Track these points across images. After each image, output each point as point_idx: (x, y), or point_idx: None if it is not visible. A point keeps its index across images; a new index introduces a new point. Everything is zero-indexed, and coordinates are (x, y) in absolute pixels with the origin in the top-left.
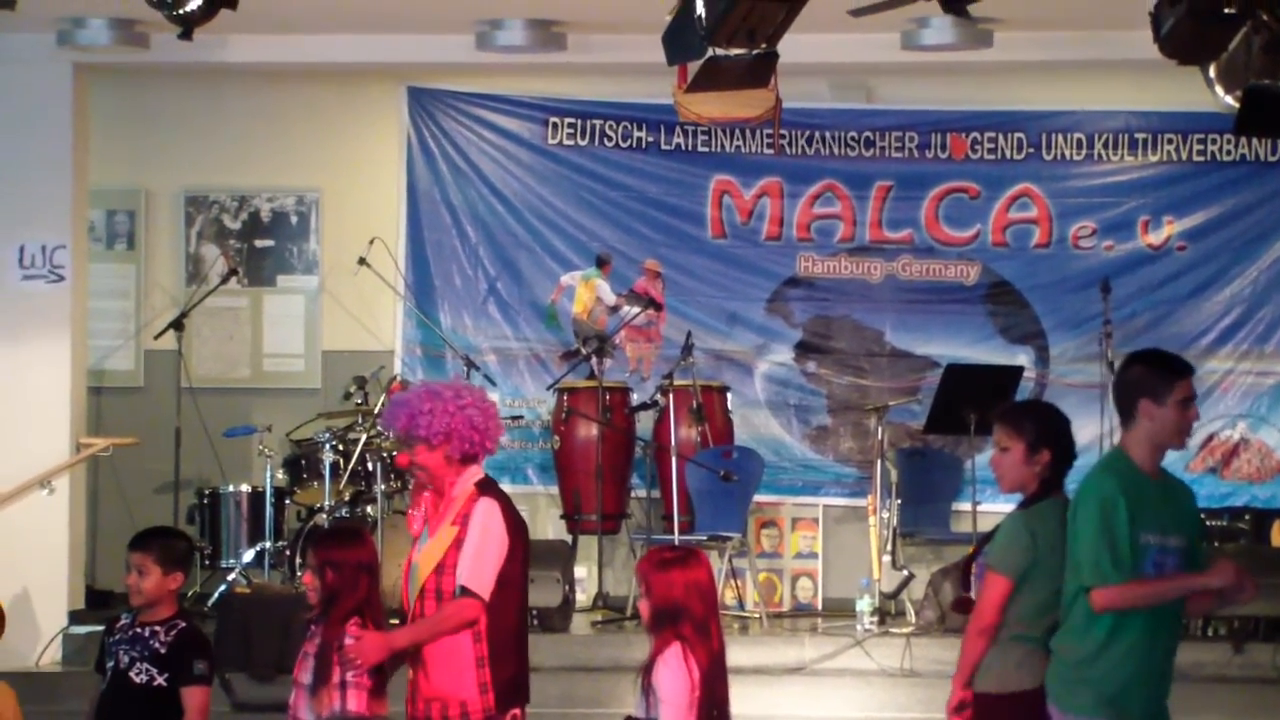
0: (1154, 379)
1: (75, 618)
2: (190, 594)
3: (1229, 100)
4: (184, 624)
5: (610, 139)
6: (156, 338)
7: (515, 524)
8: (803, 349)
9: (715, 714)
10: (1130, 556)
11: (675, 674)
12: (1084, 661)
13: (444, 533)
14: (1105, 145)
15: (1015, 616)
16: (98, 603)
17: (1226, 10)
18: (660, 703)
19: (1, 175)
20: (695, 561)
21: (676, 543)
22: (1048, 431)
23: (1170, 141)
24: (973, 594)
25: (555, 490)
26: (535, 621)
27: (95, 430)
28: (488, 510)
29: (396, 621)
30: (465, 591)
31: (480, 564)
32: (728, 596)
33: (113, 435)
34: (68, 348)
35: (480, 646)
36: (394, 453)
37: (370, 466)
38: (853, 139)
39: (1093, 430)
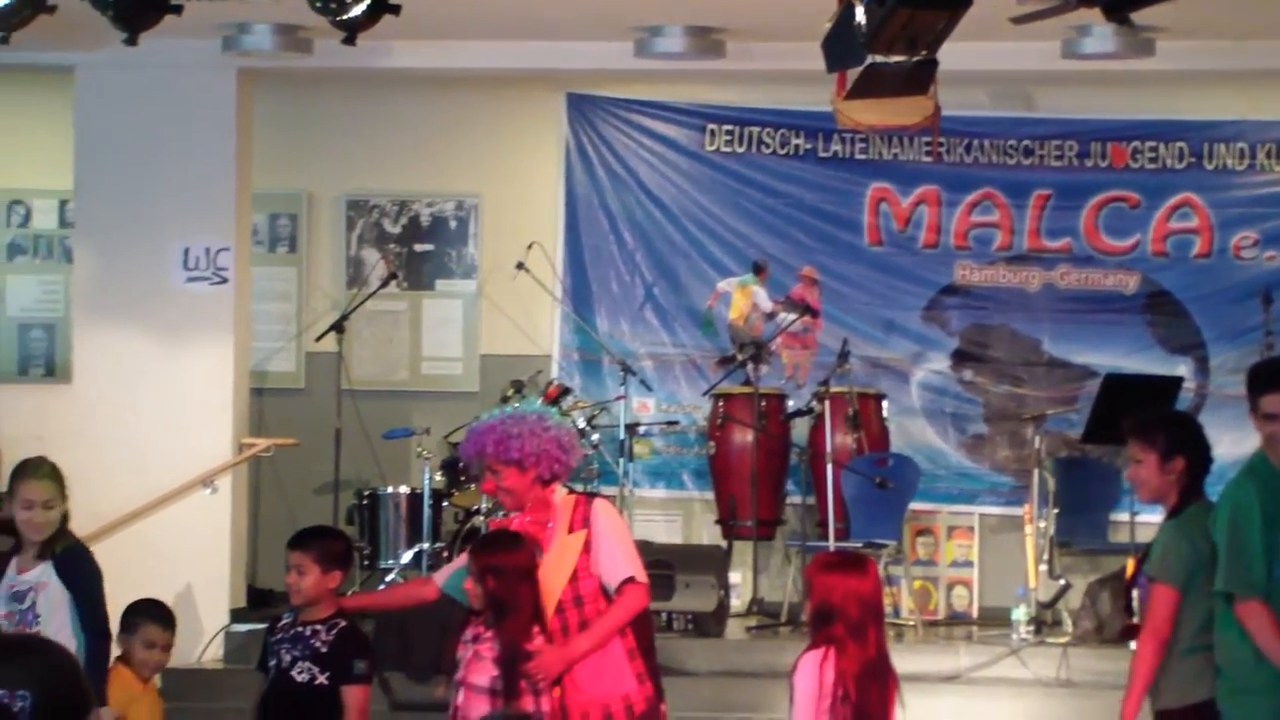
0: None
1: (236, 616)
2: (350, 594)
3: None
4: (344, 623)
5: (768, 146)
6: (317, 340)
7: None
8: (959, 357)
9: None
10: (1262, 564)
11: (807, 677)
12: (1243, 667)
13: (568, 542)
14: (1268, 155)
15: (1185, 627)
16: (259, 601)
17: None
18: (791, 703)
19: (167, 178)
20: (859, 567)
21: (832, 549)
22: (1179, 440)
23: None
24: (1135, 617)
25: (710, 496)
26: (690, 626)
27: (257, 431)
28: (606, 507)
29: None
30: (629, 581)
31: (629, 552)
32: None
33: (274, 436)
34: (231, 349)
35: (628, 639)
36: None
37: None
38: (1012, 147)
39: (1254, 442)
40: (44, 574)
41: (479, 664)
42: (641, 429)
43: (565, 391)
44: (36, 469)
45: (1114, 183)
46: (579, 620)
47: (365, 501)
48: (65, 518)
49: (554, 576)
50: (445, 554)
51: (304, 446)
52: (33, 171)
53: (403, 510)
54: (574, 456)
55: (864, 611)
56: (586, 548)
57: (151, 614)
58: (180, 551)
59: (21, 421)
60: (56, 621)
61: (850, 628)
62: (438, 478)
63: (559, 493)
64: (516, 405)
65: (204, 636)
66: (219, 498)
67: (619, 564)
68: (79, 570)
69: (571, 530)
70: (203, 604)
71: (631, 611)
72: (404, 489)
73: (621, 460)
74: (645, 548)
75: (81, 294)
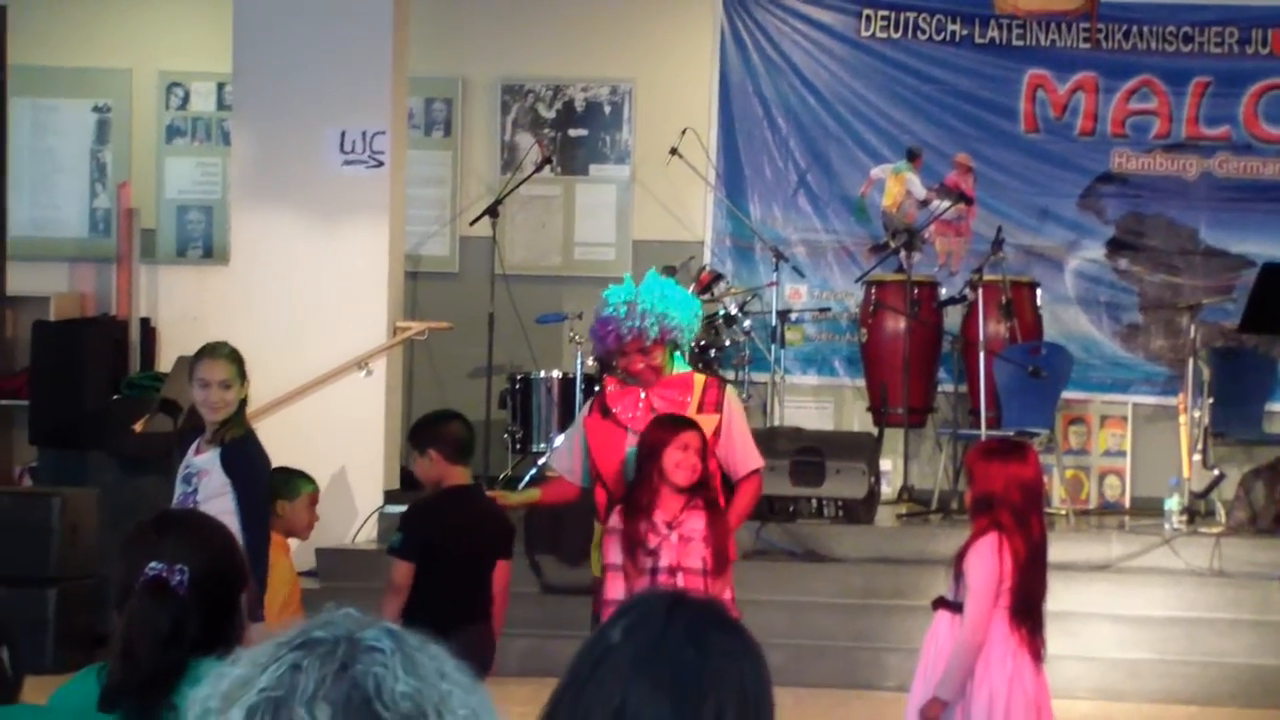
0: None
1: (390, 498)
2: (501, 477)
3: None
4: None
5: (924, 32)
6: (471, 225)
7: None
8: (1114, 246)
9: (1029, 606)
10: None
11: (986, 563)
12: None
13: (702, 422)
14: None
15: None
16: (412, 484)
17: None
18: (968, 590)
19: (324, 62)
20: (1020, 454)
21: (984, 437)
22: None
23: None
24: None
25: (861, 383)
26: (840, 512)
27: (411, 314)
28: (735, 396)
29: None
30: (755, 472)
31: (754, 445)
32: None
33: (428, 320)
34: (386, 233)
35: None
36: (703, 342)
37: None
38: (1171, 34)
39: None
40: (210, 460)
41: (688, 546)
42: (793, 315)
43: (717, 277)
44: (215, 349)
45: (1274, 70)
46: None
47: (518, 386)
48: (242, 406)
49: None
50: None
51: (457, 330)
52: (191, 55)
53: (554, 394)
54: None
55: (1026, 498)
56: (717, 431)
57: (296, 475)
58: (335, 433)
59: (179, 303)
60: (214, 508)
61: (1014, 514)
62: (589, 362)
63: (682, 367)
64: (619, 290)
65: (358, 518)
66: (373, 380)
67: (750, 454)
68: (242, 463)
69: (702, 410)
70: (356, 486)
71: (755, 501)
72: (556, 373)
73: (773, 347)
74: (796, 434)
75: (239, 177)
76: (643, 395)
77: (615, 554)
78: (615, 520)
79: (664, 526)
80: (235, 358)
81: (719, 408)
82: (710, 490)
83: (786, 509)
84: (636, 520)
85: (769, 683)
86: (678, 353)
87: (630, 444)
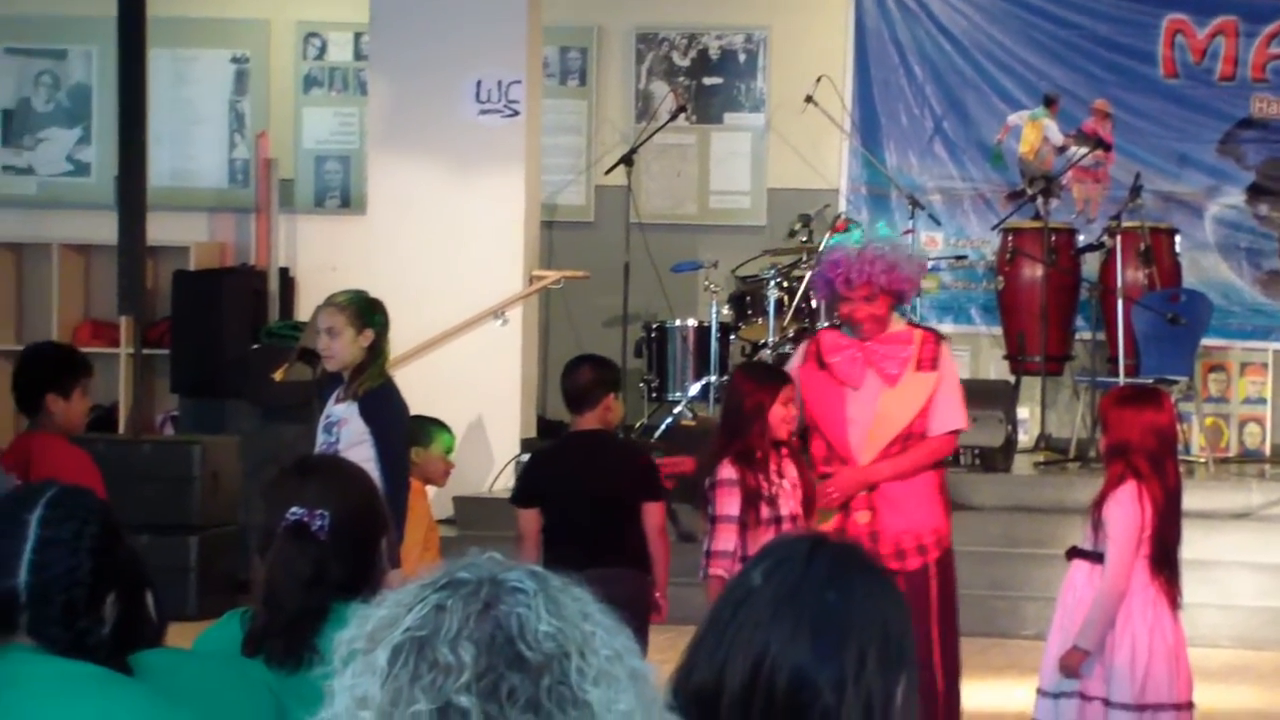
0: None
1: (526, 446)
2: (638, 425)
3: None
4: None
5: None
6: (606, 173)
7: None
8: (1255, 192)
9: (1166, 554)
10: None
11: (1126, 511)
12: None
13: (919, 379)
14: None
15: None
16: (548, 432)
17: None
18: (1108, 539)
19: (460, 11)
20: (1154, 400)
21: (1122, 385)
22: None
23: None
24: None
25: (998, 331)
26: (977, 461)
27: (547, 263)
28: (949, 353)
29: None
30: (954, 433)
31: (961, 403)
32: None
33: (564, 268)
34: (521, 182)
35: (940, 476)
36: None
37: (814, 304)
38: None
39: None
40: (349, 409)
41: (787, 493)
42: (929, 263)
43: (853, 225)
44: (329, 298)
45: None
46: None
47: (653, 334)
48: (379, 355)
49: (904, 409)
50: None
51: (593, 279)
52: (328, 5)
53: (690, 343)
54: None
55: (1162, 444)
56: (932, 392)
57: (434, 422)
58: (471, 382)
59: (317, 252)
60: (355, 457)
61: (1150, 461)
62: (725, 311)
63: (900, 322)
64: (866, 233)
65: (494, 466)
66: (509, 329)
67: (953, 412)
68: (380, 412)
69: (920, 368)
70: (493, 434)
71: (939, 456)
72: (691, 322)
73: None
74: None
75: (376, 127)
76: (859, 352)
77: (729, 506)
78: (730, 472)
79: (775, 475)
80: (350, 305)
81: (935, 364)
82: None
83: None
84: (754, 472)
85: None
86: (899, 308)
87: (850, 400)
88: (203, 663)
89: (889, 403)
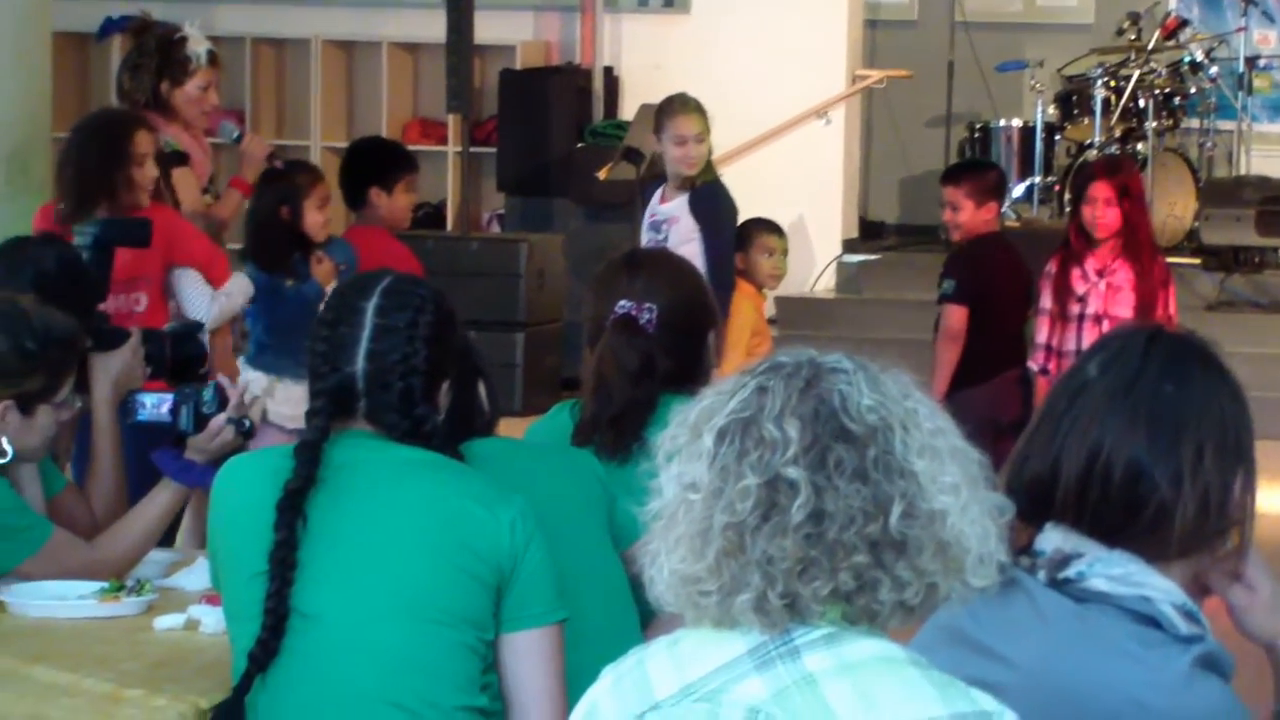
0: None
1: (848, 247)
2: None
3: None
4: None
5: None
6: None
7: None
8: None
9: None
10: None
11: None
12: None
13: None
14: None
15: None
16: (870, 233)
17: None
18: None
19: None
20: None
21: None
22: None
23: None
24: None
25: None
26: None
27: (870, 63)
28: None
29: None
30: None
31: None
32: None
33: (887, 68)
34: None
35: None
36: (1167, 90)
37: (1142, 103)
38: None
39: None
40: (679, 206)
41: (1117, 295)
42: (1261, 62)
43: (1183, 24)
44: (685, 104)
45: None
46: None
47: (976, 135)
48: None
49: None
50: (1056, 188)
51: (916, 79)
52: None
53: (1014, 144)
54: None
55: None
56: None
57: (764, 224)
58: (793, 183)
59: (640, 51)
60: (685, 254)
61: None
62: (1050, 110)
63: None
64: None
65: (816, 267)
66: (832, 129)
67: None
68: (710, 208)
69: None
70: (815, 235)
71: None
72: (1016, 122)
73: (1239, 94)
74: (1262, 183)
75: None
76: None
77: (1046, 298)
78: (1050, 266)
79: (1094, 274)
80: (703, 110)
81: None
82: (1139, 241)
83: (1252, 259)
84: (1069, 267)
85: (1250, 422)
86: None
87: None
88: (535, 451)
89: None
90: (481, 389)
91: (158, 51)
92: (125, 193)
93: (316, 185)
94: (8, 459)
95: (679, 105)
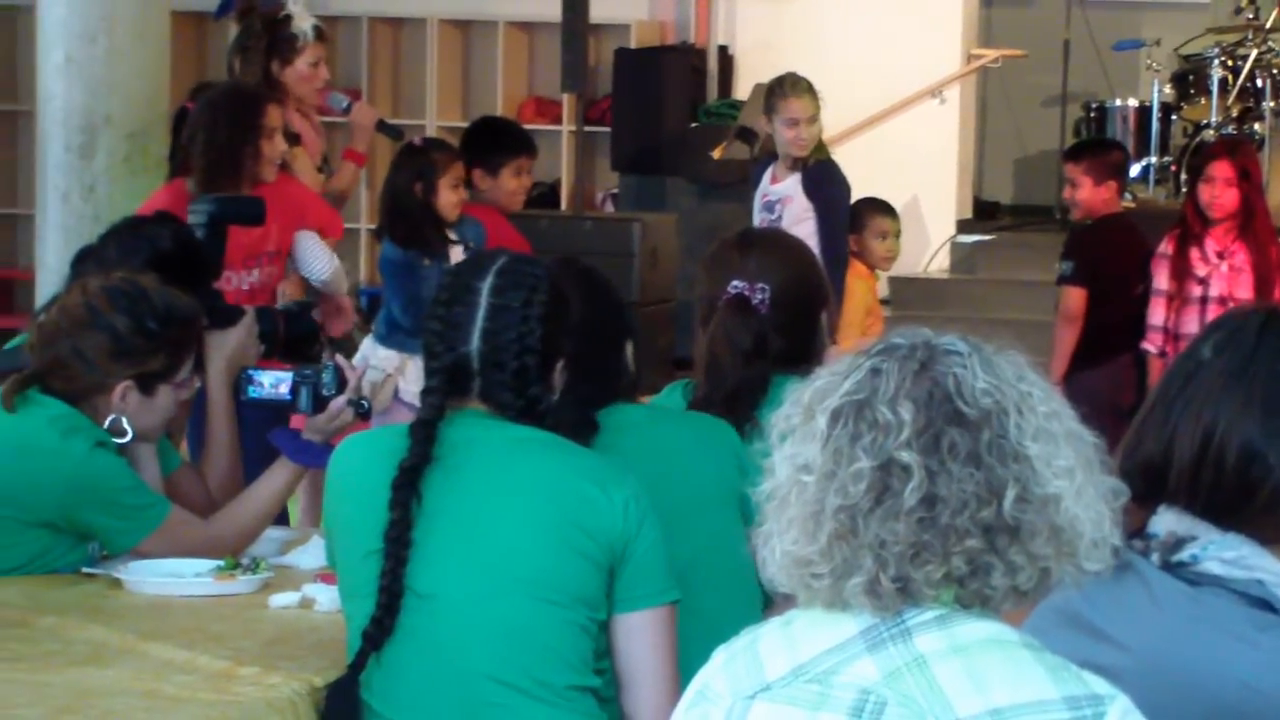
0: None
1: (962, 227)
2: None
3: None
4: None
5: None
6: None
7: None
8: None
9: None
10: None
11: None
12: None
13: None
14: None
15: None
16: (984, 213)
17: None
18: None
19: None
20: None
21: None
22: None
23: None
24: None
25: None
26: None
27: (985, 41)
28: None
29: None
30: None
31: None
32: None
33: (1002, 47)
34: None
35: None
36: None
37: (1259, 83)
38: None
39: None
40: (792, 186)
41: (1239, 277)
42: None
43: None
44: (795, 85)
45: None
46: None
47: (1092, 114)
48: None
49: None
50: (1173, 168)
51: (1031, 58)
52: None
53: (1130, 123)
54: None
55: None
56: None
57: (878, 206)
58: (907, 162)
59: (755, 31)
60: (799, 234)
61: None
62: (1167, 90)
63: None
64: None
65: (930, 247)
66: (946, 109)
67: None
68: (824, 186)
69: None
70: (929, 215)
71: None
72: (1132, 101)
73: None
74: None
75: None
76: None
77: (1162, 279)
78: (1166, 247)
79: (1215, 256)
80: (814, 90)
81: None
82: (1256, 224)
83: None
84: (1188, 248)
85: None
86: None
87: None
88: (676, 420)
89: None
90: (629, 351)
91: (265, 32)
92: (254, 165)
93: (452, 164)
94: (128, 438)
95: (790, 87)
